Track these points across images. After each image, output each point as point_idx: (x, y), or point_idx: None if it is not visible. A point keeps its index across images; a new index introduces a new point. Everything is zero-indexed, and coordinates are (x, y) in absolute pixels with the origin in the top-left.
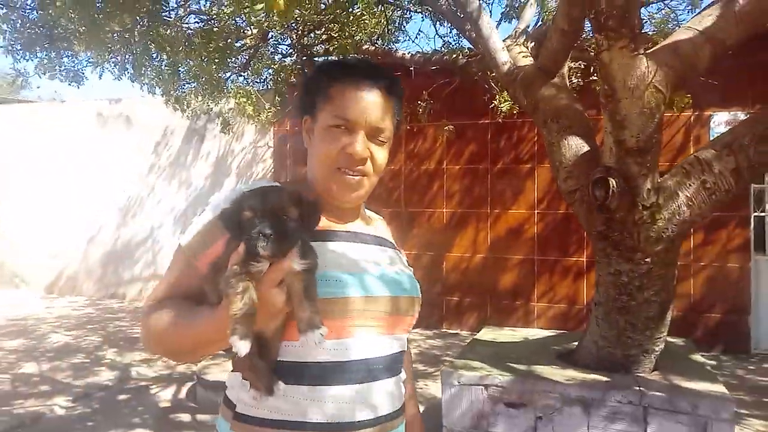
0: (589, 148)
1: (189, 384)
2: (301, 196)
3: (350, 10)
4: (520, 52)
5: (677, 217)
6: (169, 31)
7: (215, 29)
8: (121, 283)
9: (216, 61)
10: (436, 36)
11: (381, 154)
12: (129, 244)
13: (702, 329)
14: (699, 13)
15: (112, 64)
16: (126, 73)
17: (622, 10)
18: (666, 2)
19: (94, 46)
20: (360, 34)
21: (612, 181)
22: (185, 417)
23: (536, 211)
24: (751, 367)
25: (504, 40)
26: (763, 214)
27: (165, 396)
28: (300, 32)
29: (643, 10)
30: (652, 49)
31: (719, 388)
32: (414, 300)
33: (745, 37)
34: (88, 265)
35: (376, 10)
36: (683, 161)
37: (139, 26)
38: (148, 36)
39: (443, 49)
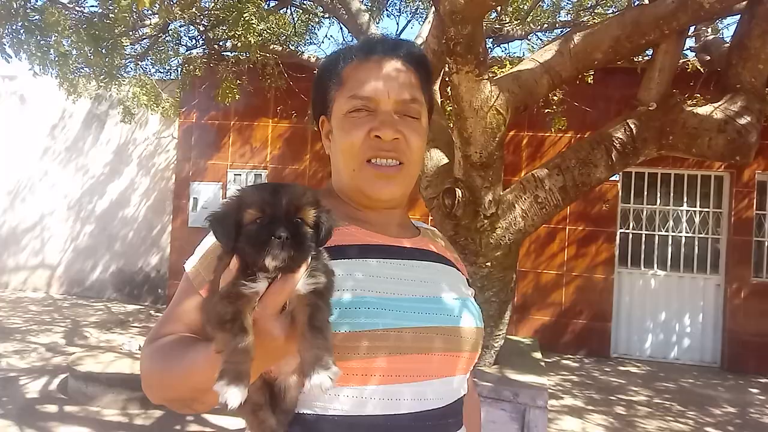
0: (447, 161)
1: (62, 376)
2: (318, 196)
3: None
4: None
5: (513, 226)
6: (58, 14)
7: (111, 15)
8: (4, 271)
9: (108, 47)
10: (343, 42)
11: (416, 135)
12: (15, 230)
13: (570, 334)
14: (542, 47)
15: None
16: (2, 50)
17: (468, 39)
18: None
19: None
20: (266, 33)
21: (458, 192)
22: (52, 408)
23: None
24: (607, 369)
25: None
26: (627, 231)
27: (34, 387)
28: (205, 26)
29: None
30: (497, 77)
31: (540, 380)
32: (476, 332)
33: (579, 71)
34: None
35: (284, 11)
36: (522, 178)
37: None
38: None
39: None
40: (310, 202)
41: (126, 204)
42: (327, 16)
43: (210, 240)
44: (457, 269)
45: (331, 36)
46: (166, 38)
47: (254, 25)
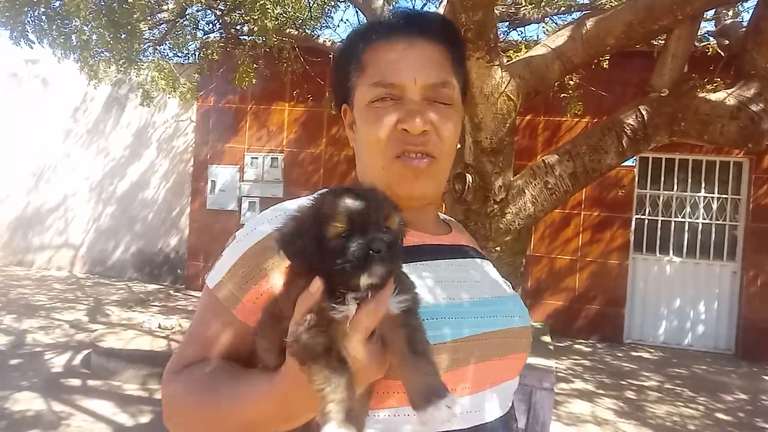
0: (459, 146)
1: (85, 352)
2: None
3: None
4: None
5: (523, 212)
6: (78, 1)
7: (129, 1)
8: (29, 250)
9: (127, 33)
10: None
11: (448, 124)
12: (40, 210)
13: (583, 319)
14: (555, 32)
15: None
16: (25, 37)
17: (479, 25)
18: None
19: None
20: (283, 18)
21: (468, 177)
22: (76, 382)
23: None
24: (620, 354)
25: None
26: (643, 216)
27: (59, 362)
28: (222, 10)
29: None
30: (508, 63)
31: (548, 363)
32: (529, 330)
33: (591, 57)
34: None
35: None
36: (533, 164)
37: None
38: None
39: None
40: (394, 207)
41: (146, 186)
42: (343, 0)
43: (235, 253)
44: (489, 261)
45: (347, 20)
46: (184, 23)
47: (270, 10)
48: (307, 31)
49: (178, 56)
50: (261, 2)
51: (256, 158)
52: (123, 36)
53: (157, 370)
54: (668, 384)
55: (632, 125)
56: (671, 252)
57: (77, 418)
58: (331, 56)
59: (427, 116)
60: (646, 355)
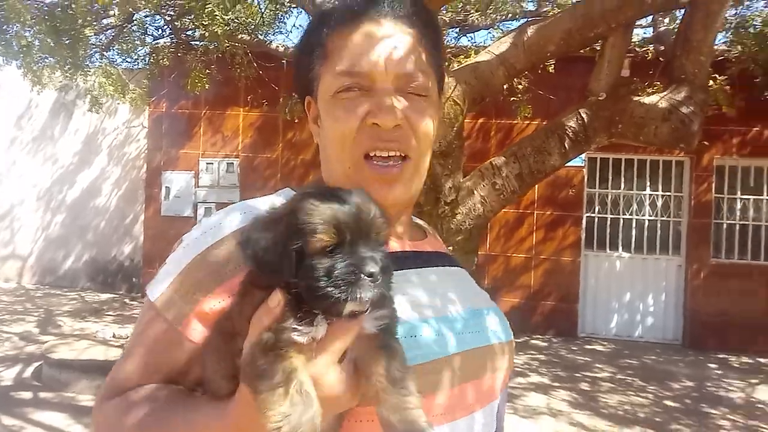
0: None
1: (36, 364)
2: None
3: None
4: None
5: (473, 212)
6: (19, 6)
7: (73, 6)
8: None
9: (71, 38)
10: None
11: (423, 118)
12: None
13: (539, 315)
14: (498, 39)
15: None
16: None
17: None
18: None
19: None
20: (234, 23)
21: None
22: (27, 395)
23: None
24: (574, 348)
25: None
26: (593, 215)
27: (8, 375)
28: (171, 15)
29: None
30: (455, 69)
31: None
32: (512, 345)
33: (533, 63)
34: None
35: (251, 0)
36: (481, 166)
37: None
38: None
39: None
40: (384, 216)
41: (97, 193)
42: (295, 6)
43: (182, 259)
44: (465, 269)
45: (300, 25)
46: (132, 28)
47: (218, 17)
48: (259, 36)
49: (126, 62)
50: (209, 9)
51: (212, 164)
52: (67, 42)
53: None
54: (620, 375)
55: (573, 128)
56: (620, 248)
57: (29, 431)
58: (284, 61)
59: (400, 108)
60: (599, 347)
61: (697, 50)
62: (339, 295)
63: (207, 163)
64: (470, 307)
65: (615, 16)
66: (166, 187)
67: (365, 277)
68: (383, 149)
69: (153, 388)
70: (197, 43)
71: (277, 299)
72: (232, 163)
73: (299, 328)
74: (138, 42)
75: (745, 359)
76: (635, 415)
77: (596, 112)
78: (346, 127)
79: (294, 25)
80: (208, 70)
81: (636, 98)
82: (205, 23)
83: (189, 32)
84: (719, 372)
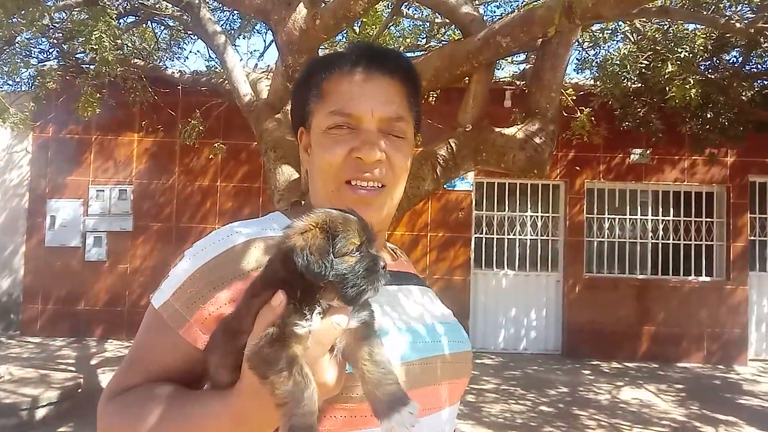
0: (298, 176)
1: None
2: None
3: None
4: (267, 85)
5: None
6: None
7: None
8: None
9: None
10: (210, 58)
11: (400, 156)
12: None
13: None
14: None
15: None
16: None
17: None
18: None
19: None
20: (128, 48)
21: (304, 203)
22: None
23: None
24: None
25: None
26: (481, 235)
27: None
28: (58, 38)
29: None
30: None
31: None
32: (470, 355)
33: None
34: None
35: (146, 25)
36: None
37: None
38: None
39: (210, 71)
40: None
41: None
42: (190, 32)
43: (184, 270)
44: (431, 289)
45: (198, 51)
46: (14, 50)
47: (106, 43)
48: (155, 62)
49: (8, 84)
50: (97, 35)
51: (102, 191)
52: None
53: None
54: (504, 385)
55: (444, 156)
56: (506, 266)
57: None
58: (180, 87)
59: (381, 146)
60: (488, 361)
61: (548, 87)
62: (365, 285)
63: (97, 191)
64: (434, 321)
65: (476, 57)
66: (51, 216)
67: (381, 270)
68: (363, 180)
69: (154, 385)
70: (88, 66)
71: (279, 299)
72: (125, 190)
73: (299, 322)
74: (21, 64)
75: (614, 364)
76: (514, 422)
77: (464, 141)
78: (333, 158)
79: (190, 51)
80: (99, 95)
81: (498, 129)
82: (94, 48)
83: (79, 55)
84: (591, 377)
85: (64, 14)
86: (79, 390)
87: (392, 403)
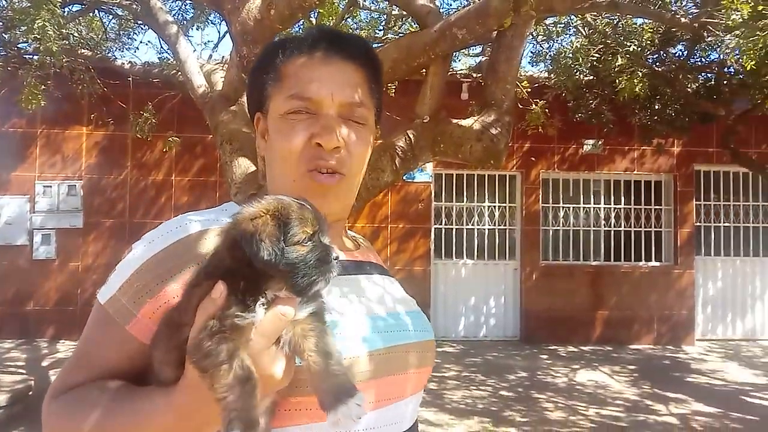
0: (255, 168)
1: None
2: None
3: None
4: (222, 77)
5: None
6: None
7: None
8: None
9: None
10: (162, 50)
11: (360, 143)
12: None
13: None
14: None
15: None
16: None
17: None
18: None
19: None
20: (75, 38)
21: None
22: None
23: None
24: None
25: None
26: (441, 226)
27: None
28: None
29: None
30: None
31: None
32: (433, 344)
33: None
34: None
35: (93, 14)
36: None
37: None
38: None
39: (162, 63)
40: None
41: None
42: (140, 22)
43: (132, 262)
44: (394, 279)
45: (149, 41)
46: None
47: (51, 33)
48: (103, 52)
49: None
50: (40, 24)
51: (50, 187)
52: None
53: None
54: (465, 372)
55: (402, 147)
56: (465, 256)
57: None
58: (131, 79)
59: (342, 132)
60: (449, 349)
61: (503, 79)
62: (316, 275)
63: (44, 186)
64: (396, 309)
65: (433, 48)
66: None
67: (333, 261)
68: (323, 167)
69: (100, 383)
70: (31, 56)
71: (219, 290)
72: (74, 186)
73: (241, 314)
74: None
75: (570, 348)
76: (475, 407)
77: (422, 133)
78: (293, 145)
79: (142, 42)
80: (44, 86)
81: (455, 121)
82: (37, 37)
83: (21, 45)
84: (549, 362)
85: (4, 2)
86: (30, 393)
87: (339, 395)
